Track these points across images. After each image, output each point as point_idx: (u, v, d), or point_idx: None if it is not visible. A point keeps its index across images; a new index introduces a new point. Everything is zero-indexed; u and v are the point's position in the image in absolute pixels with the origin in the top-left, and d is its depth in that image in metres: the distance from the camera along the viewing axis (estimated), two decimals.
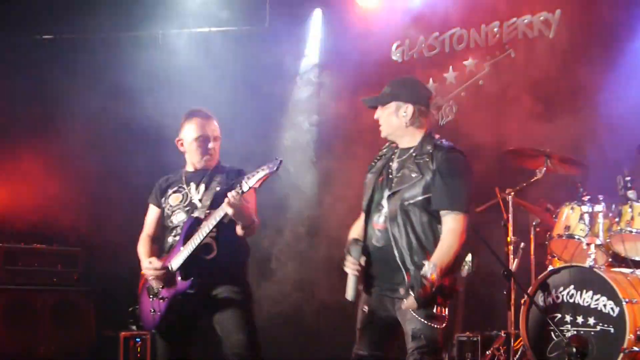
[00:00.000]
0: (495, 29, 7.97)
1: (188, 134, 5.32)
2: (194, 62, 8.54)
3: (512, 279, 5.65)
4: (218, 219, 4.95)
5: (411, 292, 4.40)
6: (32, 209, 7.81)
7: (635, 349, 5.73)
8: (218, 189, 5.15)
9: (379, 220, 4.65)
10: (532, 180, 6.58)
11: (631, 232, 6.14)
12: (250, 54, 8.72)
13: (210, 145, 5.29)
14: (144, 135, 8.24)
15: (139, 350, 7.65)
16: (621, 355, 5.70)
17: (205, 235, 4.98)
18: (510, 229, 6.49)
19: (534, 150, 6.62)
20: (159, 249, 5.33)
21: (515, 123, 7.36)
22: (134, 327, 5.20)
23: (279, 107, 8.91)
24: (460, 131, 7.89)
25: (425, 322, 4.47)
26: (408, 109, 4.69)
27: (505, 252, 6.45)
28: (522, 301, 6.18)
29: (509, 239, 6.48)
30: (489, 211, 6.78)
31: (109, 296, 7.95)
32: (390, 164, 4.75)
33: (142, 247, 5.35)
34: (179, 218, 5.25)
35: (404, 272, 4.51)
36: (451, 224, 4.51)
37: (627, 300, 5.79)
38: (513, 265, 6.45)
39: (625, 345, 5.71)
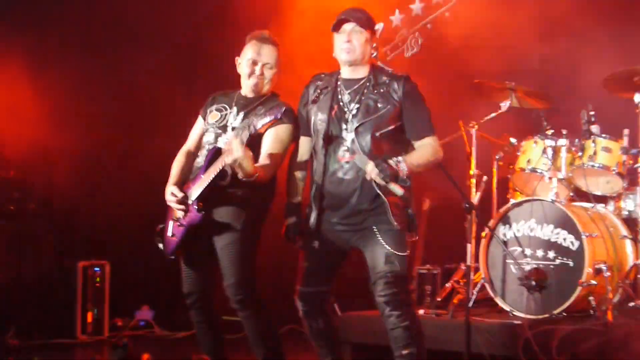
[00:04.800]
0: None
1: (243, 55, 5.13)
2: None
3: (473, 212, 5.63)
4: (220, 166, 4.77)
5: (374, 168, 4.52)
6: None
7: (593, 282, 5.79)
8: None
9: (345, 154, 4.68)
10: (496, 113, 6.54)
11: (593, 166, 6.16)
12: None
13: (257, 71, 5.09)
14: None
15: (97, 279, 7.61)
16: (579, 288, 5.75)
17: (217, 171, 4.80)
18: (473, 162, 6.47)
19: (498, 84, 6.59)
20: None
21: (480, 56, 7.29)
22: (160, 245, 5.13)
23: None
24: (425, 64, 7.83)
25: (395, 250, 4.61)
26: (374, 40, 4.83)
27: (468, 185, 6.44)
28: (483, 234, 6.20)
29: (471, 172, 6.47)
30: (452, 144, 6.75)
31: (67, 225, 7.87)
32: (339, 97, 4.76)
33: (174, 167, 5.16)
34: (207, 138, 5.09)
35: (380, 193, 4.61)
36: (430, 142, 4.72)
37: (587, 234, 5.82)
38: (475, 198, 6.44)
39: (583, 279, 5.76)
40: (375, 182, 4.55)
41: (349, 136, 4.69)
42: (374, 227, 4.65)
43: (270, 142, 4.94)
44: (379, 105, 4.67)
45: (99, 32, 8.05)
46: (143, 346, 7.06)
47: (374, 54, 4.87)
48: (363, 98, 4.71)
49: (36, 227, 7.65)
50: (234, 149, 4.59)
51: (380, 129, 4.66)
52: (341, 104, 4.74)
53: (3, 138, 7.67)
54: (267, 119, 4.64)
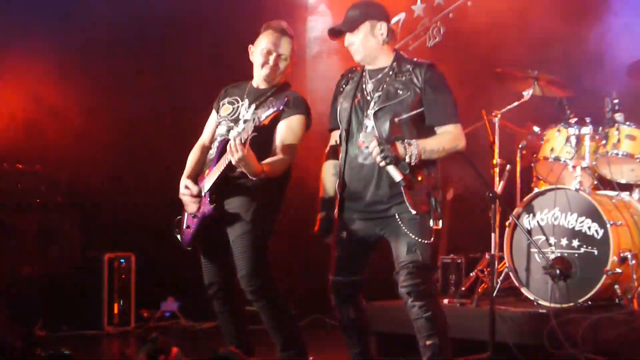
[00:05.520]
0: None
1: (257, 43, 5.14)
2: None
3: (497, 201, 5.63)
4: (224, 165, 4.83)
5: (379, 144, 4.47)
6: (15, 129, 7.71)
7: (618, 270, 5.76)
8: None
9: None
10: (518, 102, 6.53)
11: (617, 154, 6.12)
12: None
13: (271, 61, 5.10)
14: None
15: (123, 271, 7.65)
16: (604, 277, 5.73)
17: (226, 164, 4.83)
18: (497, 151, 6.46)
19: (521, 72, 6.57)
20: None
21: (503, 44, 7.27)
22: (178, 237, 5.21)
23: None
24: (448, 53, 7.82)
25: (418, 238, 4.57)
26: (383, 26, 4.75)
27: (491, 174, 6.44)
28: (507, 223, 6.18)
29: (494, 161, 6.46)
30: (475, 133, 6.75)
31: (93, 217, 7.92)
32: (364, 86, 4.78)
33: (189, 160, 5.22)
34: (220, 130, 5.13)
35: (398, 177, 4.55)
36: (451, 129, 4.66)
37: (611, 222, 5.79)
38: (499, 187, 6.43)
39: (608, 267, 5.73)
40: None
41: (369, 122, 4.69)
42: (396, 215, 4.62)
43: (283, 134, 4.98)
44: (400, 92, 4.66)
45: (126, 27, 8.08)
46: (169, 338, 7.11)
47: (382, 34, 4.73)
48: (385, 86, 4.72)
49: (62, 220, 7.70)
50: (234, 150, 4.64)
51: (399, 115, 4.63)
52: (365, 92, 4.76)
53: (29, 132, 7.73)
54: (270, 111, 4.67)
